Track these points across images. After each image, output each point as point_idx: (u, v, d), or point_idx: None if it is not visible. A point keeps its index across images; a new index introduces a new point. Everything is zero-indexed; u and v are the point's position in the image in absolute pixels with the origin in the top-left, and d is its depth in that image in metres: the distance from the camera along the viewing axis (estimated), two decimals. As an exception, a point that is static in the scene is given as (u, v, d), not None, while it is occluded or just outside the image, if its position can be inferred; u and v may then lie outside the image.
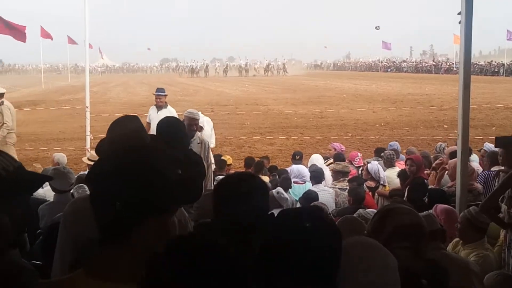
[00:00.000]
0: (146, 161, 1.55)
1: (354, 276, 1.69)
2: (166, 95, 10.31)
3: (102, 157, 1.59)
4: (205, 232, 2.20)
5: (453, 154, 7.11)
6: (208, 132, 9.75)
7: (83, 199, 2.56)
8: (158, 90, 10.31)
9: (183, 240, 1.47)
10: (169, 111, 9.88)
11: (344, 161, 9.00)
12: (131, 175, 1.50)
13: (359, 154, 10.00)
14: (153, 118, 9.82)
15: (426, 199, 6.06)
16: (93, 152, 6.02)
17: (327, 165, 9.26)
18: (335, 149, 9.90)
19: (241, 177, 2.38)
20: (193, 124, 7.02)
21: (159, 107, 10.03)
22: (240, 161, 12.47)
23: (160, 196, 1.51)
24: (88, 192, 4.93)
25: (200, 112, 8.47)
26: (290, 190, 7.71)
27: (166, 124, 4.62)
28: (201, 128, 8.58)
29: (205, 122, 9.91)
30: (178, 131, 4.41)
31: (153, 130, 9.94)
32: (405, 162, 7.64)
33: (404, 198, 6.89)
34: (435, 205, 5.10)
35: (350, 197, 6.62)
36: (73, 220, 2.55)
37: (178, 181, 1.57)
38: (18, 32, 14.52)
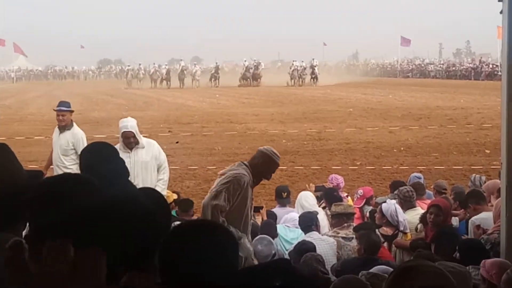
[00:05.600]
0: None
1: None
2: (71, 111, 10.12)
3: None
4: None
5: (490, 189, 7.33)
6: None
7: None
8: (60, 104, 10.14)
9: None
10: (73, 134, 9.72)
11: (341, 200, 9.00)
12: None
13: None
14: (54, 143, 9.81)
15: (457, 254, 6.09)
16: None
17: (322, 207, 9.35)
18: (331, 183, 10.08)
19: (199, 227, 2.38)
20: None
21: (61, 128, 9.81)
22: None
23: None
24: None
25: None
26: (276, 239, 7.73)
27: (91, 154, 4.32)
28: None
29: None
30: (111, 162, 4.16)
31: (54, 157, 9.61)
32: (428, 208, 7.58)
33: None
34: (483, 261, 5.15)
35: (361, 245, 6.62)
36: None
37: None
38: None
